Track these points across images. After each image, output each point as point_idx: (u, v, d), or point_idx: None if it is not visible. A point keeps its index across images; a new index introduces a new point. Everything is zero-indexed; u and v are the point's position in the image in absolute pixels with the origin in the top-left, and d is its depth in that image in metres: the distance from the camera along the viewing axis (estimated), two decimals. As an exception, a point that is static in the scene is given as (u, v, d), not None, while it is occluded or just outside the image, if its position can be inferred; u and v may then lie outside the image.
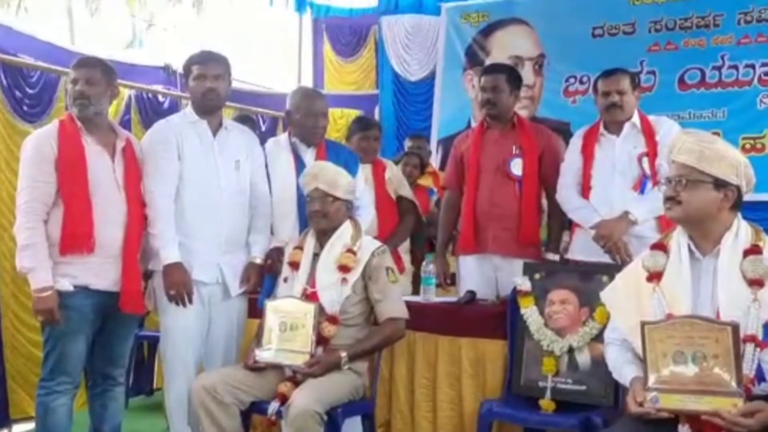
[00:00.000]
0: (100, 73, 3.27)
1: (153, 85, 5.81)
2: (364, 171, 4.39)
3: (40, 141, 3.22)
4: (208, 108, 3.52)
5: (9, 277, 4.51)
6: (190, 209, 3.43)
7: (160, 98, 5.72)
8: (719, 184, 2.48)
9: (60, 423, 3.22)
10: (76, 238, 3.15)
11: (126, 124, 5.34)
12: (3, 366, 4.55)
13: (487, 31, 6.76)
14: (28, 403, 4.40)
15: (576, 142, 3.88)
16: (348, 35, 7.76)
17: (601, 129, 3.79)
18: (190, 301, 3.38)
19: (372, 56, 7.65)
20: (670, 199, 2.52)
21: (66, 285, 3.16)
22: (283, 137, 3.93)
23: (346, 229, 3.40)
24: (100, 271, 3.20)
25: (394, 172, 4.57)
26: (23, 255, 3.14)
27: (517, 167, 3.90)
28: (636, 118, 3.73)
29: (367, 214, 3.88)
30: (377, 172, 4.49)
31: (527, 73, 6.31)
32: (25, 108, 4.63)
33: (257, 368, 3.25)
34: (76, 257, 3.16)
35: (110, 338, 3.35)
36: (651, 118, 3.79)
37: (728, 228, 2.52)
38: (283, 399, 3.08)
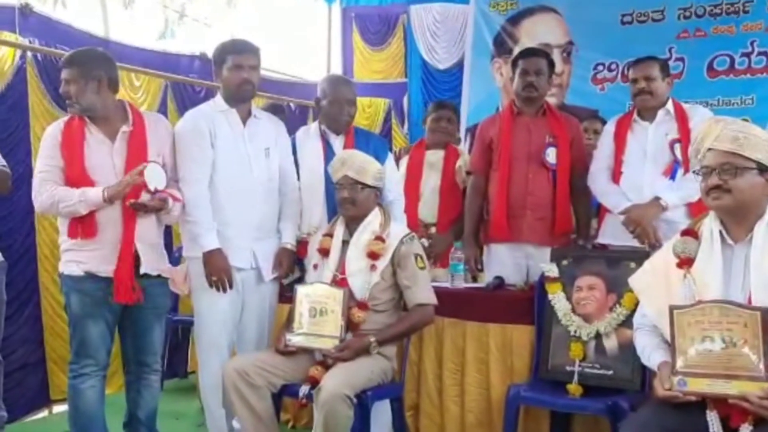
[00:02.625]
0: (76, 69, 3.21)
1: (188, 74, 5.86)
2: (434, 156, 4.39)
3: (48, 132, 3.27)
4: (243, 99, 3.52)
5: (48, 263, 4.58)
6: (224, 197, 3.44)
7: (196, 87, 5.77)
8: (762, 169, 2.43)
9: (90, 404, 3.25)
10: (80, 222, 3.16)
11: (162, 114, 5.38)
12: (43, 349, 4.64)
13: (516, 19, 6.72)
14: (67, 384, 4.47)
15: (609, 128, 3.86)
16: (377, 24, 7.73)
17: (635, 116, 3.76)
18: (231, 286, 3.40)
19: (401, 45, 7.62)
20: (717, 188, 2.44)
21: (76, 271, 3.19)
22: (313, 126, 3.93)
23: (375, 217, 3.40)
24: (104, 258, 3.19)
25: (466, 161, 4.39)
26: (72, 204, 3.11)
27: (552, 156, 3.84)
28: (670, 105, 3.70)
29: (398, 207, 3.86)
30: (449, 158, 4.38)
31: (556, 61, 6.21)
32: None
33: (288, 352, 3.26)
34: (83, 243, 3.17)
35: (135, 324, 3.34)
36: (685, 105, 3.75)
37: (761, 215, 2.47)
38: (314, 382, 3.10)
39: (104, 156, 3.24)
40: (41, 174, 3.20)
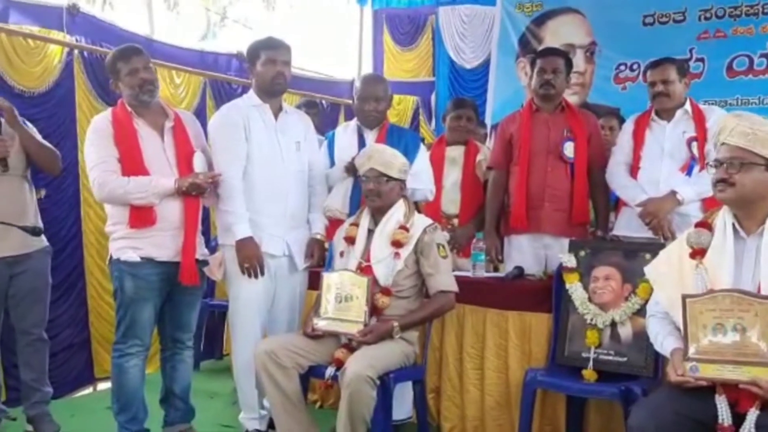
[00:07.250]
0: (149, 58, 3.33)
1: (226, 72, 5.91)
2: (456, 151, 4.40)
3: (98, 125, 3.31)
4: (276, 92, 3.55)
5: (94, 249, 4.65)
6: (258, 187, 3.47)
7: (234, 85, 5.81)
8: None
9: (133, 381, 3.32)
10: (140, 212, 3.21)
11: (201, 109, 5.45)
12: (88, 330, 4.71)
13: (540, 20, 6.69)
14: (110, 364, 4.54)
15: (628, 126, 3.85)
16: (406, 25, 7.74)
17: (653, 115, 3.74)
18: (262, 272, 3.43)
19: (429, 45, 7.62)
20: (722, 182, 2.44)
21: (133, 256, 3.24)
22: (352, 122, 4.00)
23: (399, 208, 3.40)
24: (162, 244, 3.26)
25: (486, 156, 4.36)
26: (147, 196, 3.20)
27: (569, 150, 3.83)
28: (688, 105, 3.67)
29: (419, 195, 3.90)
30: (469, 153, 4.38)
31: (579, 61, 6.21)
32: (109, 93, 4.72)
33: (315, 336, 3.29)
34: (142, 231, 3.23)
35: (178, 305, 3.42)
36: (702, 106, 3.72)
37: None
38: (339, 364, 3.12)
39: (157, 149, 3.31)
40: (102, 164, 3.23)
